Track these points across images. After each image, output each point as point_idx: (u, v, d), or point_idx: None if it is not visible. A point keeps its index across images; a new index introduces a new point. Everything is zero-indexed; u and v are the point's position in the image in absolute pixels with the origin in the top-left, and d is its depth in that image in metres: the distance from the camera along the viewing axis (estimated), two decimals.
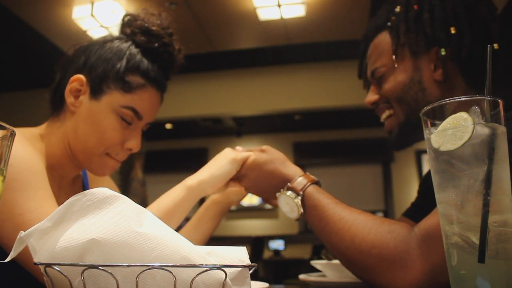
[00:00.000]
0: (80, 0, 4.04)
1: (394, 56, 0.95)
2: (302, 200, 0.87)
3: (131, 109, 0.94)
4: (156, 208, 0.92)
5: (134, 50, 0.96)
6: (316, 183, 0.89)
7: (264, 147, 0.99)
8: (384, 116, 1.02)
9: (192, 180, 0.97)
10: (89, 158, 0.96)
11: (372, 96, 1.03)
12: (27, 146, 0.83)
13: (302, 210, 0.87)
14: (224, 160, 0.98)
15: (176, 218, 0.94)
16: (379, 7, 1.04)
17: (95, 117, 0.93)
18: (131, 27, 0.99)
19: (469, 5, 0.89)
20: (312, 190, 0.87)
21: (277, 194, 0.91)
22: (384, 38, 0.98)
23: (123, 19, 1.02)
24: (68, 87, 0.94)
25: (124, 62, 0.94)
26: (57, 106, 0.99)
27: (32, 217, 0.73)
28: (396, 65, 0.95)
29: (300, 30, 4.64)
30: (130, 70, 0.94)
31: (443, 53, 0.89)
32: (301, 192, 0.87)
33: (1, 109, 5.66)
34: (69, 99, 0.94)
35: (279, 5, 4.17)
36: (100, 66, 0.94)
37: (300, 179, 0.89)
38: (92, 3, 4.08)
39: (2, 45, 4.56)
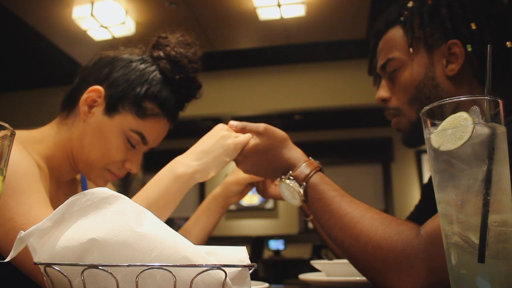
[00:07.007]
0: (80, 0, 4.03)
1: (411, 49, 0.93)
2: (305, 190, 0.84)
3: (139, 134, 0.95)
4: (146, 202, 0.85)
5: (157, 77, 0.96)
6: (320, 169, 0.86)
7: (262, 128, 0.90)
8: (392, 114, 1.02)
9: (184, 169, 0.89)
10: (89, 169, 0.97)
11: (383, 93, 1.01)
12: (20, 149, 0.82)
13: (304, 198, 0.84)
14: (220, 149, 0.91)
15: (167, 211, 0.89)
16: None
17: (104, 134, 0.94)
18: (160, 51, 0.98)
19: (485, 1, 0.88)
20: (316, 180, 0.83)
21: (278, 180, 0.88)
22: (395, 33, 0.97)
23: (157, 39, 1.01)
24: (85, 95, 0.94)
25: (144, 87, 0.95)
26: (68, 109, 0.99)
27: (23, 221, 0.72)
28: (412, 58, 0.94)
29: (300, 30, 4.64)
30: (148, 97, 0.95)
31: (469, 49, 0.87)
32: (304, 183, 0.84)
33: (1, 109, 5.66)
34: (83, 107, 0.94)
35: (279, 5, 4.17)
36: (121, 85, 0.95)
37: (303, 166, 0.85)
38: (92, 3, 4.07)
39: (2, 45, 4.56)
